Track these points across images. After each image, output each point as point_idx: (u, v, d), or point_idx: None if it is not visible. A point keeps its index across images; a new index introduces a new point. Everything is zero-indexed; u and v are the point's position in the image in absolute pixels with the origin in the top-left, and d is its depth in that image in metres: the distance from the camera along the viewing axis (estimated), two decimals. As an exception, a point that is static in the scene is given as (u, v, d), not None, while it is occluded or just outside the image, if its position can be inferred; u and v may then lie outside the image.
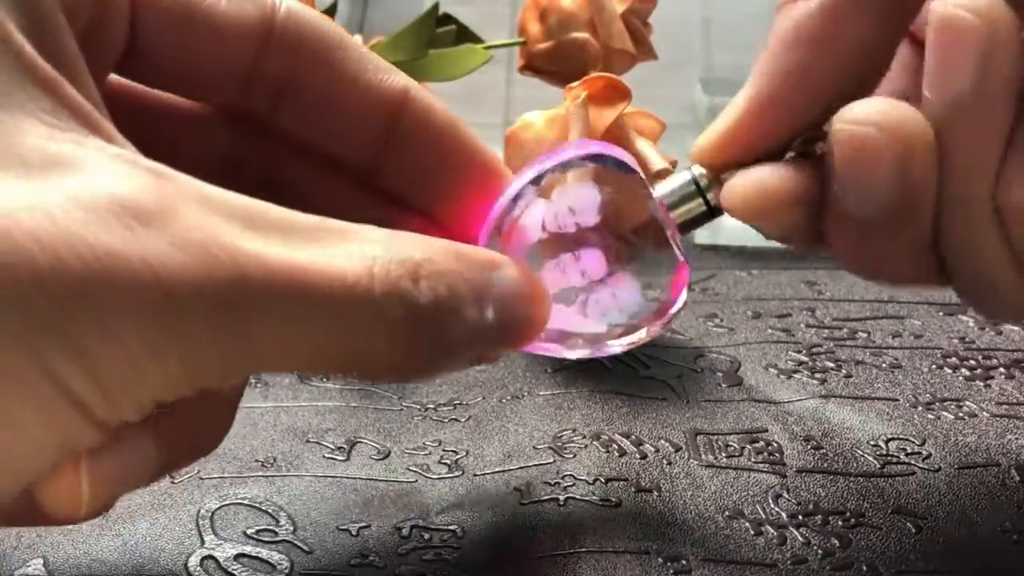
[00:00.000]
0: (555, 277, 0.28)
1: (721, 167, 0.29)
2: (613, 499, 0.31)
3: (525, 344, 0.27)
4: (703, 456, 0.34)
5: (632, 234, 0.29)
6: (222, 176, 0.24)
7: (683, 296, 0.29)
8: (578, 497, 0.31)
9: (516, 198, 0.28)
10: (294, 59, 0.27)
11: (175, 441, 0.24)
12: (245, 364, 0.22)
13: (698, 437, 0.35)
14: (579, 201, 0.28)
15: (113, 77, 0.27)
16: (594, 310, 0.29)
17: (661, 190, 0.29)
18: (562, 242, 0.28)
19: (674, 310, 0.29)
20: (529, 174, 0.28)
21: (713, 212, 0.29)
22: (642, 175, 0.29)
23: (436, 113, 0.29)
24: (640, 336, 0.29)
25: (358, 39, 0.52)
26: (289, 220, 0.22)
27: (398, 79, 0.28)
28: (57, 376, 0.20)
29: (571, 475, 0.32)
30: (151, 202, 0.21)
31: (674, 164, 0.39)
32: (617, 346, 0.30)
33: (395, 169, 0.29)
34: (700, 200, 0.29)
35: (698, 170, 0.29)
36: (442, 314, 0.24)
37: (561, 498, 0.31)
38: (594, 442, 0.34)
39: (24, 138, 0.20)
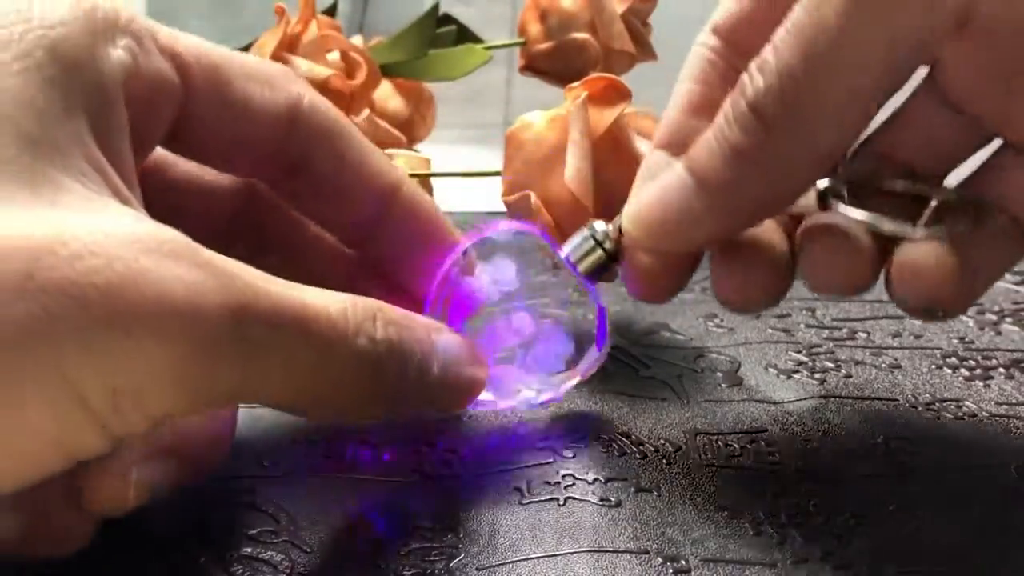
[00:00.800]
0: (493, 341, 0.34)
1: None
2: (613, 499, 0.31)
3: (469, 400, 0.32)
4: (703, 456, 0.34)
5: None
6: (221, 232, 0.32)
7: (606, 336, 0.34)
8: (578, 497, 0.31)
9: (445, 279, 0.33)
10: (310, 142, 0.32)
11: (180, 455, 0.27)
12: (246, 388, 0.25)
13: (698, 437, 0.35)
14: (498, 273, 0.33)
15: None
16: (534, 363, 0.34)
17: (567, 248, 0.34)
18: (492, 310, 0.34)
19: (601, 349, 0.34)
20: (451, 258, 0.33)
21: (612, 259, 0.33)
22: (547, 240, 0.34)
23: (425, 203, 0.34)
24: (578, 378, 0.35)
25: (358, 39, 0.52)
26: (278, 278, 0.26)
27: (395, 170, 0.34)
28: (73, 381, 0.21)
29: (571, 475, 0.32)
30: (182, 241, 0.24)
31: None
32: (560, 390, 0.35)
33: (380, 246, 0.34)
34: (599, 251, 0.33)
35: (596, 224, 0.34)
36: (395, 355, 0.28)
37: (561, 498, 0.31)
38: (594, 442, 0.34)
39: (71, 196, 0.23)
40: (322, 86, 0.47)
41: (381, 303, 0.28)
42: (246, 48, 0.50)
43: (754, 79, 0.28)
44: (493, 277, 0.34)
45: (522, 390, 0.34)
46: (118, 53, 0.27)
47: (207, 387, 0.23)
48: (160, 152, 0.32)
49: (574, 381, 0.35)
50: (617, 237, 0.33)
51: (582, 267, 0.33)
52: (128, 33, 0.27)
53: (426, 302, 0.33)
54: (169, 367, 0.22)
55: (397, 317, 0.28)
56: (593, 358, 0.35)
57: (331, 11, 0.54)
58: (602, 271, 0.33)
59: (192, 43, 0.30)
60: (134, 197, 0.26)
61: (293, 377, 0.25)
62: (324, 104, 0.32)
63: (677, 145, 0.32)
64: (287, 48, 0.48)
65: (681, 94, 0.34)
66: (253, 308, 0.24)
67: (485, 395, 0.34)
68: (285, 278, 0.29)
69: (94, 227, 0.22)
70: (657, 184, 0.30)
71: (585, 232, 0.33)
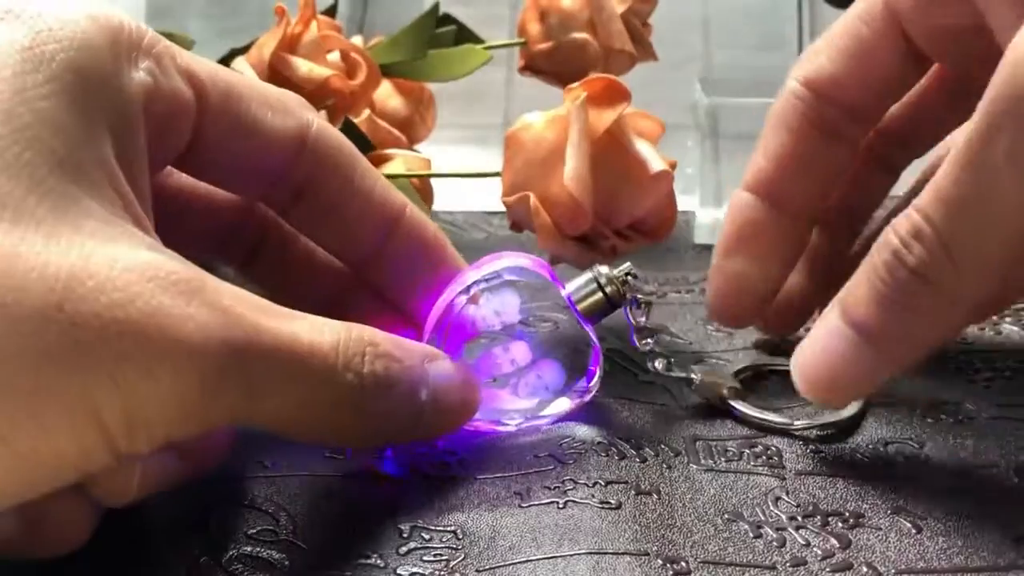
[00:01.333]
0: (489, 367, 0.35)
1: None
2: (613, 501, 0.31)
3: (460, 425, 0.33)
4: (702, 460, 0.34)
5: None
6: (219, 240, 0.35)
7: (599, 371, 0.35)
8: (578, 500, 0.31)
9: (451, 305, 0.34)
10: (317, 168, 0.33)
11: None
12: (244, 416, 0.27)
13: (697, 443, 0.35)
14: (503, 305, 0.35)
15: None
16: (524, 390, 0.35)
17: (570, 287, 0.35)
18: (492, 337, 0.35)
19: (592, 383, 0.35)
20: (460, 285, 0.34)
21: (612, 304, 0.35)
22: (553, 279, 0.35)
23: (427, 229, 0.35)
24: (565, 407, 0.35)
25: (358, 39, 0.52)
26: (276, 306, 0.28)
27: (399, 197, 0.34)
28: (95, 406, 0.23)
29: (571, 479, 0.32)
30: (190, 275, 0.25)
31: (673, 165, 0.39)
32: (547, 418, 0.35)
33: (382, 269, 0.35)
34: (600, 294, 0.35)
35: (600, 269, 0.35)
36: (381, 389, 0.29)
37: (561, 501, 0.31)
38: (594, 447, 0.34)
39: (93, 221, 0.25)
40: (322, 86, 0.47)
41: (375, 333, 0.29)
42: (246, 48, 0.50)
43: (913, 249, 0.29)
44: (496, 308, 0.35)
45: (508, 415, 0.35)
46: (140, 75, 0.28)
47: (209, 415, 0.26)
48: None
49: (560, 411, 0.35)
50: (620, 282, 0.35)
51: (582, 307, 0.35)
52: (150, 55, 0.28)
53: (425, 328, 0.34)
54: (178, 398, 0.24)
55: (389, 348, 0.29)
56: (581, 392, 0.36)
57: (331, 11, 0.54)
58: (602, 314, 0.35)
59: (208, 66, 0.31)
60: (148, 218, 0.27)
61: (286, 408, 0.27)
62: (332, 132, 0.33)
63: (766, 193, 0.37)
64: (287, 48, 0.48)
65: (771, 142, 0.37)
66: (255, 345, 0.26)
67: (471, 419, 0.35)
68: (278, 285, 0.32)
69: (115, 260, 0.24)
70: (819, 344, 0.31)
71: (589, 275, 0.35)
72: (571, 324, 0.35)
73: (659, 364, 0.37)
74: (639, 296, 0.36)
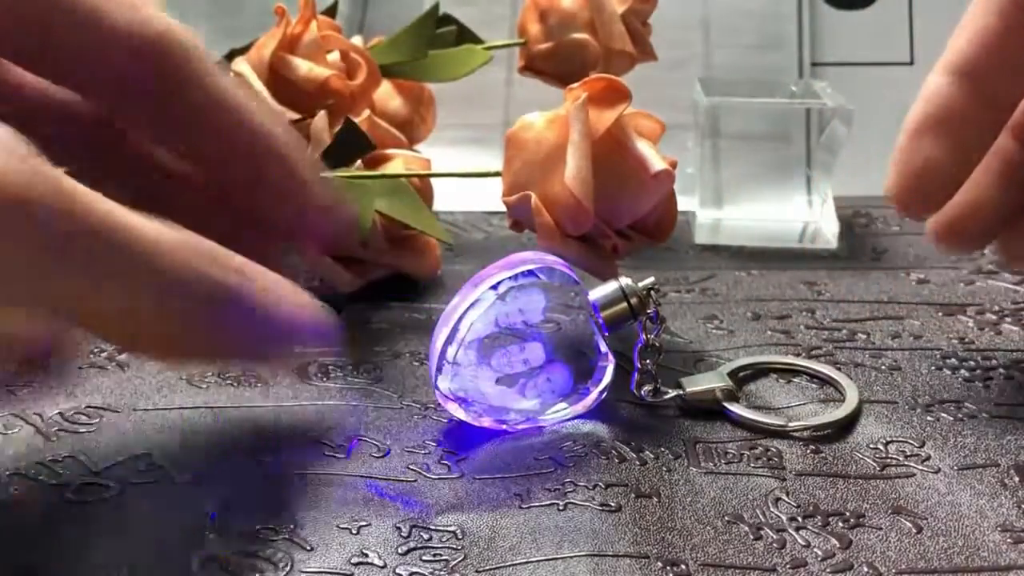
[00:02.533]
0: (502, 364, 0.34)
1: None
2: (613, 504, 0.31)
3: (292, 348, 0.30)
4: (702, 463, 0.34)
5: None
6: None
7: (605, 381, 0.36)
8: (578, 502, 0.31)
9: (478, 299, 0.34)
10: (170, 75, 0.30)
11: None
12: (65, 297, 0.24)
13: (697, 445, 0.35)
14: (528, 304, 0.35)
15: None
16: (531, 392, 0.35)
17: (595, 294, 0.36)
18: (511, 335, 0.35)
19: (597, 392, 0.36)
20: (490, 280, 0.34)
21: (635, 314, 0.36)
22: (581, 283, 0.35)
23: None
24: (568, 413, 0.36)
25: (358, 39, 0.52)
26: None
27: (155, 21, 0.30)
28: None
29: (571, 481, 0.32)
30: (13, 138, 0.24)
31: (674, 165, 0.39)
32: (547, 421, 0.35)
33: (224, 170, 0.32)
34: (625, 304, 0.36)
35: (624, 280, 0.36)
36: (214, 294, 0.27)
37: (561, 503, 0.31)
38: (594, 449, 0.34)
39: None
40: (322, 86, 0.47)
41: (215, 246, 0.27)
42: (246, 48, 0.50)
43: None
44: (521, 307, 0.34)
45: (510, 414, 0.35)
46: None
47: (27, 288, 0.24)
48: None
49: (563, 416, 0.36)
50: (643, 294, 0.36)
51: (605, 314, 0.35)
52: None
53: (446, 318, 0.34)
54: None
55: (230, 260, 0.27)
56: (587, 400, 0.36)
57: (331, 11, 0.54)
58: (619, 325, 0.36)
59: None
60: None
61: (111, 298, 0.25)
62: (184, 32, 0.30)
63: (965, 76, 0.34)
64: (287, 48, 0.48)
65: (975, 24, 0.34)
66: (81, 218, 0.24)
67: (473, 413, 0.35)
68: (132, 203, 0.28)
69: None
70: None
71: (616, 284, 0.36)
72: (574, 327, 0.35)
73: (646, 391, 0.37)
74: (658, 312, 0.36)
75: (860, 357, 0.41)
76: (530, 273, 0.34)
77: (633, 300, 0.36)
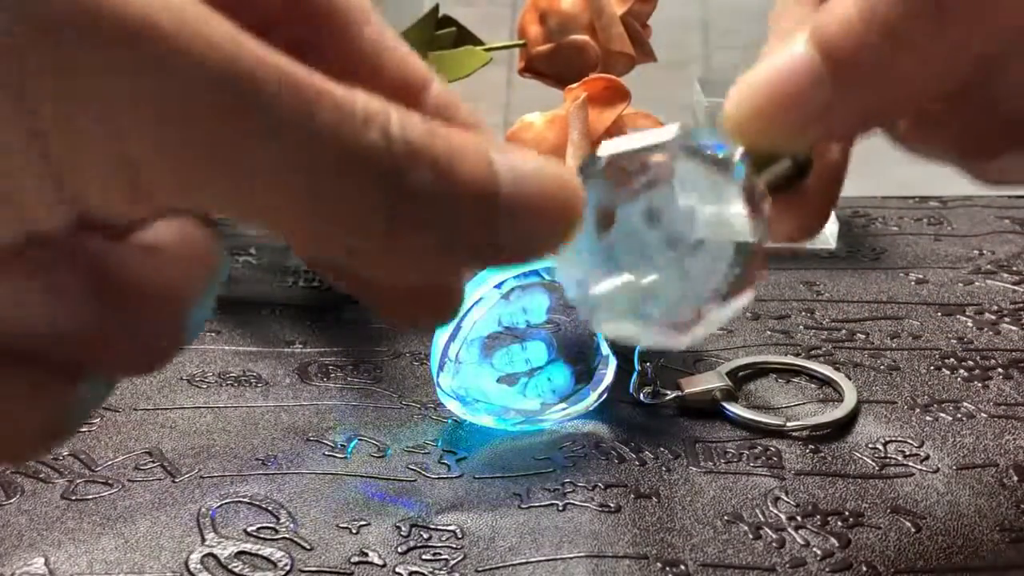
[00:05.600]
0: (504, 363, 0.34)
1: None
2: (612, 504, 0.31)
3: (552, 241, 0.22)
4: (702, 463, 0.34)
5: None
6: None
7: (606, 382, 0.35)
8: (577, 503, 0.31)
9: (481, 298, 0.34)
10: (316, 21, 0.25)
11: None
12: (230, 170, 0.19)
13: (697, 445, 0.35)
14: (531, 304, 0.34)
15: None
16: (532, 391, 0.35)
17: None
18: (513, 335, 0.34)
19: (597, 392, 0.36)
20: (494, 280, 0.34)
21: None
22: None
23: (460, 109, 0.27)
24: (568, 413, 0.36)
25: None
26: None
27: (420, 68, 0.26)
28: (41, 136, 0.17)
29: (571, 482, 0.32)
30: None
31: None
32: (547, 421, 0.35)
33: None
34: None
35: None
36: (421, 161, 0.20)
37: (560, 503, 0.31)
38: (593, 450, 0.34)
39: None
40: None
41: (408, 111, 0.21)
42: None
43: None
44: (525, 306, 0.34)
45: (509, 414, 0.35)
46: None
47: (190, 158, 0.18)
48: None
49: (561, 415, 0.36)
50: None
51: None
52: None
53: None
54: (143, 114, 0.18)
55: (435, 125, 0.21)
56: (588, 400, 0.36)
57: (331, 12, 0.54)
58: None
59: None
60: None
61: (287, 165, 0.19)
62: None
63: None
64: (287, 49, 0.48)
65: None
66: (257, 70, 0.19)
67: (473, 412, 0.35)
68: None
69: None
70: (772, 64, 0.24)
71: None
72: (572, 328, 0.35)
73: (645, 393, 0.37)
74: None
75: (859, 357, 0.41)
76: (534, 273, 0.34)
77: None
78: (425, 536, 0.30)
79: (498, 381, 0.34)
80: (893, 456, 0.34)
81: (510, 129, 0.40)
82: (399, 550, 0.29)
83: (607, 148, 0.25)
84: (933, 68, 0.24)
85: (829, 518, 0.31)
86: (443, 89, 0.26)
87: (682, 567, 0.28)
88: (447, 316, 0.25)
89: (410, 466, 0.33)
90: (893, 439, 0.35)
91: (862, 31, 0.23)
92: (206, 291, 0.21)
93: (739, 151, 0.25)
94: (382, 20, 0.26)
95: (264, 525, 0.30)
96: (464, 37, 0.53)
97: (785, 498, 0.32)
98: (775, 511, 0.31)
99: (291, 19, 0.25)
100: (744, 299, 0.25)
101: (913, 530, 0.30)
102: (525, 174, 0.22)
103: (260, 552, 0.29)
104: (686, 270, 0.25)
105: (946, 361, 0.40)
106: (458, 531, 0.30)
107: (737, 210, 0.24)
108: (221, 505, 0.31)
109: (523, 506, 0.31)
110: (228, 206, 0.20)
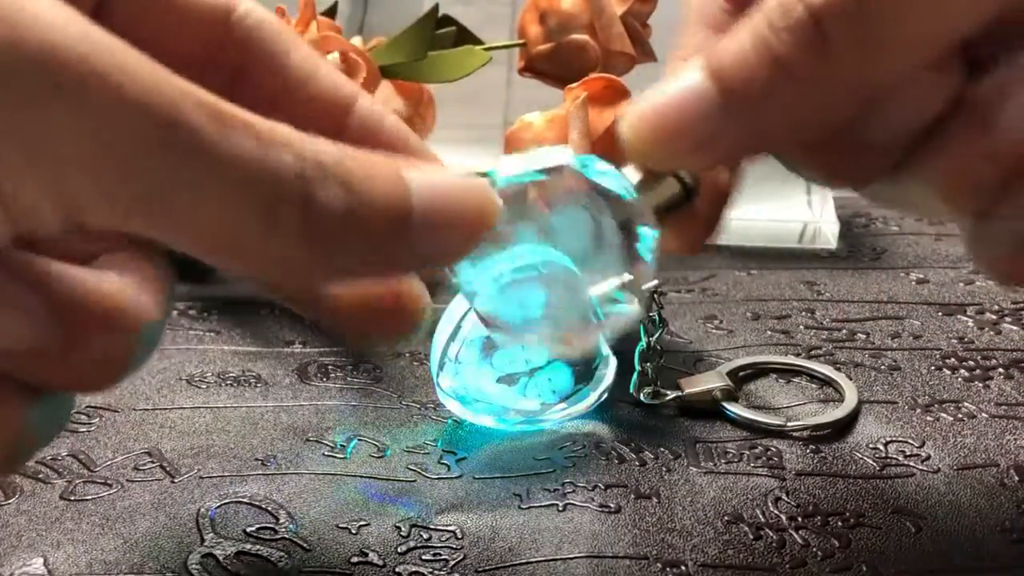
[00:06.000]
0: (504, 363, 0.34)
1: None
2: (612, 505, 0.31)
3: (464, 245, 0.25)
4: (702, 463, 0.34)
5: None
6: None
7: (606, 383, 0.35)
8: (577, 503, 0.31)
9: (475, 294, 0.33)
10: (248, 52, 0.28)
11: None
12: (166, 198, 0.20)
13: (697, 445, 0.35)
14: (527, 299, 0.33)
15: None
16: (532, 391, 0.35)
17: (597, 291, 0.34)
18: (512, 334, 0.32)
19: (597, 393, 0.36)
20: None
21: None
22: (583, 277, 0.33)
23: (385, 120, 0.29)
24: (567, 412, 0.35)
25: (357, 40, 0.52)
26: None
27: (349, 85, 0.29)
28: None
29: (571, 482, 0.32)
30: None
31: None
32: (547, 421, 0.35)
33: None
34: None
35: (625, 276, 0.33)
36: (332, 178, 0.22)
37: (560, 503, 0.31)
38: (593, 450, 0.34)
39: None
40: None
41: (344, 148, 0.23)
42: (246, 49, 0.50)
43: None
44: (521, 303, 0.34)
45: (509, 414, 0.35)
46: None
47: (121, 184, 0.20)
48: None
49: (561, 415, 0.36)
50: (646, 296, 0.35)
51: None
52: None
53: (446, 314, 0.34)
54: (82, 147, 0.19)
55: (347, 150, 0.23)
56: (588, 401, 0.36)
57: (331, 12, 0.54)
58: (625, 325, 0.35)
59: None
60: None
61: (209, 191, 0.21)
62: (262, 10, 0.29)
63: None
64: (287, 49, 0.48)
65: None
66: (178, 101, 0.20)
67: (473, 412, 0.35)
68: None
69: None
70: (667, 90, 0.26)
71: (617, 282, 0.34)
72: None
73: (645, 393, 0.37)
74: (662, 314, 0.36)
75: (860, 357, 0.41)
76: (533, 267, 0.34)
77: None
78: (425, 536, 0.30)
79: (498, 381, 0.34)
80: (894, 456, 0.34)
81: (510, 129, 0.40)
82: (399, 550, 0.29)
83: (502, 168, 0.26)
84: (819, 102, 0.25)
85: (830, 518, 0.31)
86: (369, 104, 0.29)
87: (682, 567, 0.28)
88: (409, 330, 0.27)
89: (410, 466, 0.33)
90: (894, 439, 0.35)
91: (754, 63, 0.24)
92: (155, 313, 0.22)
93: (631, 173, 0.27)
94: (309, 47, 0.29)
95: (264, 525, 0.30)
96: (464, 37, 0.53)
97: (786, 498, 0.32)
98: (776, 511, 0.31)
99: (218, 57, 0.28)
100: (635, 308, 0.28)
101: (914, 530, 0.30)
102: (438, 188, 0.23)
103: (260, 553, 0.29)
104: (579, 284, 0.27)
105: (947, 361, 0.40)
106: (458, 531, 0.30)
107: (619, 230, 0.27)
108: (220, 505, 0.31)
109: (523, 506, 0.31)
110: (155, 230, 0.21)
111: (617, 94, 0.39)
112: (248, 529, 0.30)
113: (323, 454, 0.34)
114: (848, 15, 0.24)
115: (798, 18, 0.24)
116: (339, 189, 0.22)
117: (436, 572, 0.28)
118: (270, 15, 0.29)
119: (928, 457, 0.34)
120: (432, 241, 0.24)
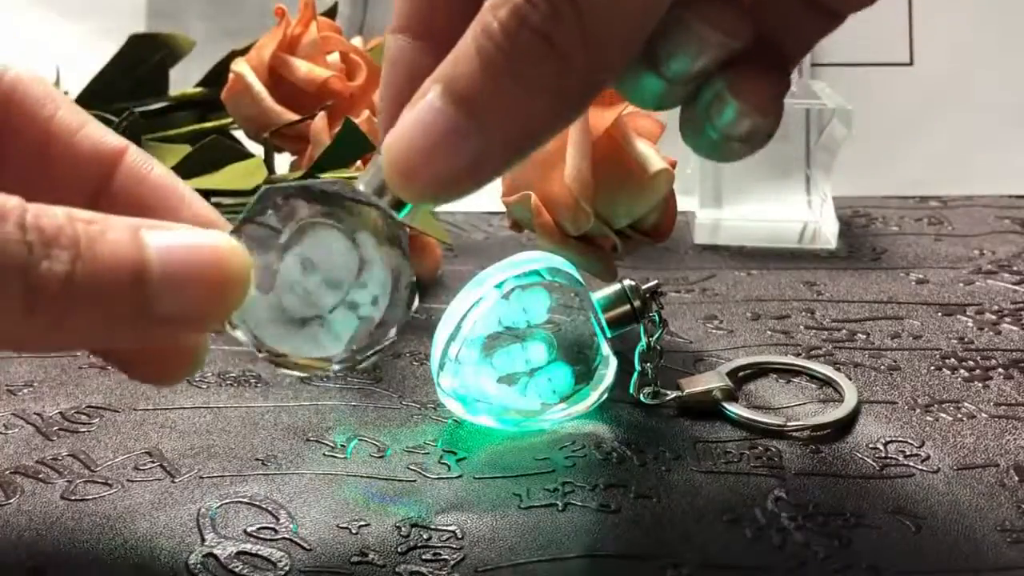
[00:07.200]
0: (504, 363, 0.34)
1: None
2: (612, 505, 0.31)
3: (212, 309, 0.25)
4: (702, 463, 0.34)
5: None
6: None
7: (606, 383, 0.35)
8: (577, 503, 0.31)
9: (482, 298, 0.34)
10: (7, 108, 0.28)
11: None
12: None
13: (697, 445, 0.35)
14: (531, 304, 0.34)
15: None
16: (532, 391, 0.35)
17: (598, 296, 0.35)
18: (514, 335, 0.34)
19: (597, 393, 0.36)
20: (494, 280, 0.34)
21: (637, 316, 0.36)
22: (585, 285, 0.35)
23: (153, 170, 0.30)
24: (567, 412, 0.36)
25: (358, 40, 0.52)
26: None
27: (114, 139, 0.30)
28: None
29: (570, 482, 0.32)
30: None
31: (674, 164, 0.39)
32: (547, 421, 0.35)
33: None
34: (628, 306, 0.36)
35: (628, 282, 0.36)
36: (57, 248, 0.23)
37: (560, 503, 0.31)
38: (593, 450, 0.34)
39: None
40: (322, 87, 0.47)
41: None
42: (246, 49, 0.50)
43: (538, 6, 0.24)
44: (525, 307, 0.34)
45: (510, 414, 0.35)
46: None
47: None
48: None
49: (561, 415, 0.36)
50: (646, 297, 0.36)
51: (608, 315, 0.36)
52: None
53: (448, 318, 0.34)
54: None
55: (76, 213, 0.23)
56: (588, 401, 0.36)
57: (331, 12, 0.54)
58: (623, 325, 0.36)
59: None
60: None
61: None
62: (26, 70, 0.29)
63: (416, 29, 0.29)
64: (287, 49, 0.48)
65: None
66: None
67: (473, 412, 0.35)
68: None
69: None
70: (413, 122, 0.25)
71: (619, 286, 0.36)
72: (572, 328, 0.35)
73: (645, 393, 0.37)
74: (662, 314, 0.36)
75: (859, 357, 0.41)
76: (534, 273, 0.34)
77: (636, 302, 0.36)
78: (425, 536, 0.30)
79: (498, 381, 0.34)
80: (893, 456, 0.34)
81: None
82: (399, 550, 0.29)
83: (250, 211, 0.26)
84: (563, 97, 0.25)
85: (830, 518, 0.31)
86: (136, 156, 0.30)
87: (682, 567, 0.28)
88: (184, 375, 0.30)
89: (410, 466, 0.33)
90: (893, 439, 0.35)
91: (490, 78, 0.24)
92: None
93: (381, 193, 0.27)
94: (74, 105, 0.30)
95: (264, 525, 0.30)
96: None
97: (786, 498, 0.32)
98: (776, 510, 0.31)
99: None
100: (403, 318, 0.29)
101: (913, 530, 0.30)
102: (177, 248, 0.24)
103: (260, 552, 0.29)
104: (353, 304, 0.27)
105: (946, 361, 0.40)
106: (458, 531, 0.30)
107: (382, 249, 0.28)
108: (221, 505, 0.31)
109: (523, 506, 0.31)
110: None
111: (617, 95, 0.39)
112: (248, 529, 0.30)
113: (323, 454, 0.34)
114: (573, 29, 0.24)
115: (524, 39, 0.24)
116: (64, 253, 0.22)
117: (436, 572, 0.28)
118: (32, 72, 0.29)
119: (928, 457, 0.34)
120: (176, 299, 0.24)
